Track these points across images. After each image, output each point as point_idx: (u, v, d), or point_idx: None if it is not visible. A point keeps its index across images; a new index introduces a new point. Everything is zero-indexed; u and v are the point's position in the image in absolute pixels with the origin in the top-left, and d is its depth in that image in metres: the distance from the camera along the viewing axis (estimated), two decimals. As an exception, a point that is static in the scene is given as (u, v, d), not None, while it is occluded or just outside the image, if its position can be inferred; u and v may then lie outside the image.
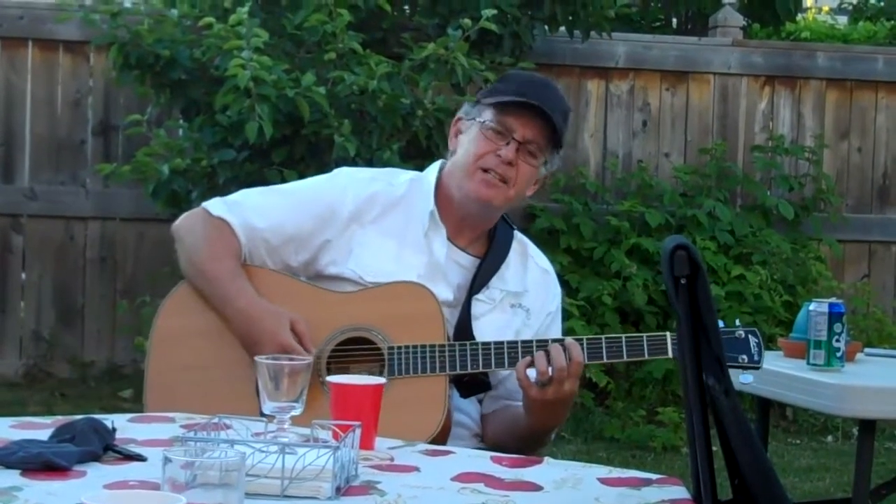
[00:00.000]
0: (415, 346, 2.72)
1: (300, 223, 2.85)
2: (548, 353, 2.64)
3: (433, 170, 2.93)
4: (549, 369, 2.63)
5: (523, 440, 2.81)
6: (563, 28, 6.99)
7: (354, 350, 2.74)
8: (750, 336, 2.77)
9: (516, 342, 2.74)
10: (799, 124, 7.78)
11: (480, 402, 2.90)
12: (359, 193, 2.87)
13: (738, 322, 2.78)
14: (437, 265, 2.84)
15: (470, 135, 2.85)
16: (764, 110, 7.75)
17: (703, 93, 7.67)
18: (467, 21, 5.88)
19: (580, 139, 7.55)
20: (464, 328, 2.81)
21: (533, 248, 3.01)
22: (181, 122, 6.40)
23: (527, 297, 2.92)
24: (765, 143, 7.66)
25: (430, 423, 2.66)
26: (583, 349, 2.69)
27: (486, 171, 2.80)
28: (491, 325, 2.85)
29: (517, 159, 2.80)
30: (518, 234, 2.99)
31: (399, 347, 2.72)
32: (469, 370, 2.73)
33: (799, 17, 9.98)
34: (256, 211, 2.87)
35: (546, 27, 6.90)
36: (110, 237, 7.13)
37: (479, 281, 2.87)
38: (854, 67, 7.82)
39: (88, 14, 6.04)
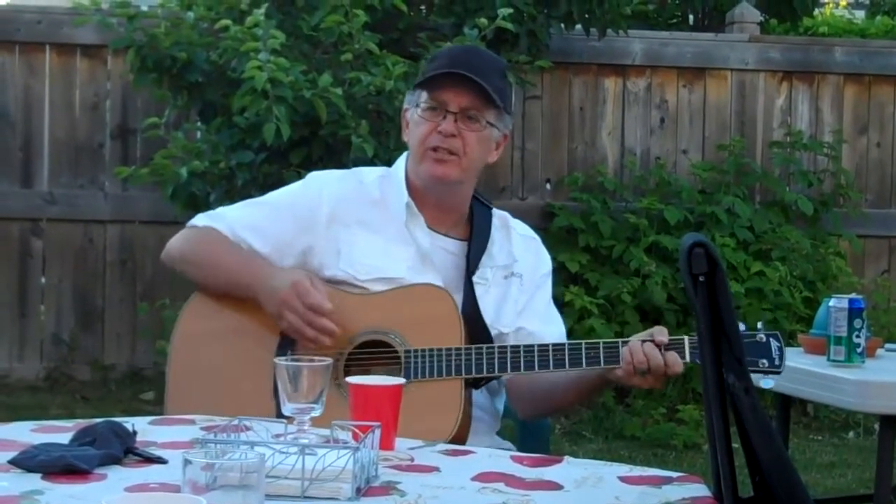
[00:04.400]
0: (431, 350, 2.72)
1: (281, 230, 2.88)
2: (645, 352, 2.65)
3: (401, 163, 2.96)
4: (646, 362, 2.64)
5: (574, 401, 2.92)
6: (579, 26, 6.98)
7: (372, 353, 2.75)
8: (772, 339, 2.72)
9: (532, 346, 2.75)
10: (817, 119, 7.76)
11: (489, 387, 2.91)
12: (332, 195, 2.90)
13: (759, 325, 2.75)
14: (425, 254, 2.86)
15: (414, 121, 2.89)
16: (782, 106, 7.74)
17: (720, 89, 7.66)
18: (483, 20, 5.88)
19: (598, 137, 7.55)
20: (471, 311, 2.83)
21: (513, 221, 3.04)
22: (199, 124, 6.41)
23: (517, 265, 2.95)
24: (783, 138, 7.64)
25: (446, 426, 2.67)
26: (579, 356, 2.73)
27: (434, 150, 2.83)
28: (489, 302, 2.88)
29: (458, 129, 2.82)
30: (496, 210, 3.01)
31: (416, 351, 2.72)
32: (485, 374, 2.74)
33: (816, 11, 9.96)
34: (239, 222, 2.91)
35: (562, 25, 6.89)
36: (129, 240, 7.15)
37: (472, 264, 2.89)
38: (872, 62, 7.80)
39: (105, 18, 6.05)
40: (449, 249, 2.91)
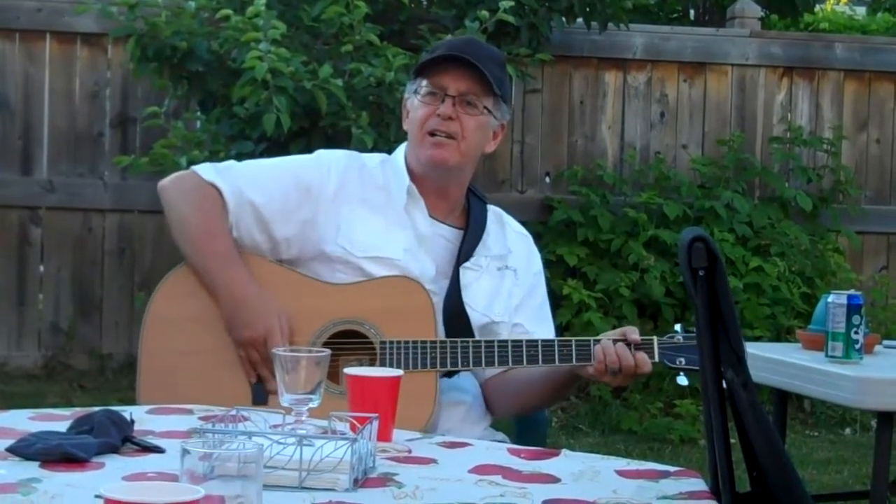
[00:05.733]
0: (406, 342, 2.74)
1: (287, 193, 2.87)
2: (617, 352, 2.69)
3: (400, 151, 2.98)
4: (618, 362, 2.69)
5: (546, 398, 2.95)
6: (580, 19, 6.98)
7: (346, 343, 2.76)
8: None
9: (506, 342, 2.78)
10: (817, 115, 7.76)
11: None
12: (340, 171, 2.91)
13: (677, 328, 2.81)
14: (423, 238, 2.89)
15: (413, 107, 2.90)
16: (782, 101, 7.73)
17: (720, 84, 7.66)
18: (484, 13, 5.88)
19: (598, 131, 7.55)
20: (454, 298, 2.84)
21: (507, 216, 3.07)
22: (199, 114, 6.40)
23: (511, 258, 2.98)
24: (783, 134, 7.64)
25: (422, 416, 2.69)
26: (551, 353, 2.76)
27: (432, 134, 2.85)
28: (481, 290, 2.90)
29: (456, 113, 2.84)
30: (490, 206, 3.04)
31: (391, 342, 2.74)
32: (460, 367, 2.76)
33: (817, 7, 9.96)
34: (246, 177, 2.90)
35: (563, 18, 6.89)
36: (128, 229, 7.15)
37: (465, 250, 2.91)
38: (872, 58, 7.80)
39: (106, 6, 6.04)
40: (445, 236, 2.93)
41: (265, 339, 2.73)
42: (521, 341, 2.78)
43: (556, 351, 2.76)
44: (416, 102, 2.89)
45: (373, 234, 2.85)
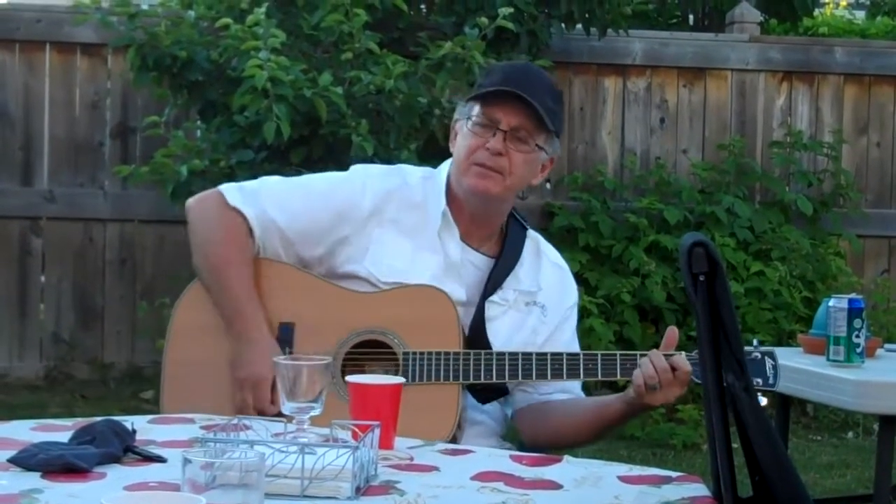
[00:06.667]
0: (430, 353, 2.71)
1: (317, 217, 2.84)
2: (651, 361, 2.64)
3: (444, 168, 2.93)
4: (656, 375, 2.63)
5: (595, 434, 2.86)
6: (579, 26, 6.98)
7: (369, 353, 2.74)
8: (766, 358, 2.73)
9: (531, 354, 2.74)
10: (817, 120, 7.76)
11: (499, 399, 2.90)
12: (376, 190, 2.87)
13: (755, 342, 2.76)
14: (452, 265, 2.84)
15: (463, 133, 2.85)
16: (782, 106, 7.73)
17: (720, 89, 7.66)
18: (484, 20, 5.88)
19: (598, 137, 7.55)
20: (478, 331, 2.80)
21: (545, 245, 3.01)
22: (199, 123, 6.40)
23: (541, 294, 2.92)
24: (783, 138, 7.64)
25: (443, 429, 2.67)
26: (577, 367, 2.73)
27: (479, 165, 2.80)
28: (505, 325, 2.86)
29: (506, 148, 2.80)
30: (531, 232, 2.98)
31: (414, 353, 2.72)
32: (483, 380, 2.73)
33: (816, 12, 9.96)
34: (274, 201, 2.86)
35: (563, 25, 6.90)
36: (129, 239, 7.15)
37: (493, 282, 2.86)
38: (872, 62, 7.80)
39: (106, 16, 6.05)
40: (476, 264, 2.89)
41: (251, 388, 2.72)
42: (545, 354, 2.74)
43: (581, 365, 2.73)
44: (465, 129, 2.83)
45: (401, 258, 2.82)
